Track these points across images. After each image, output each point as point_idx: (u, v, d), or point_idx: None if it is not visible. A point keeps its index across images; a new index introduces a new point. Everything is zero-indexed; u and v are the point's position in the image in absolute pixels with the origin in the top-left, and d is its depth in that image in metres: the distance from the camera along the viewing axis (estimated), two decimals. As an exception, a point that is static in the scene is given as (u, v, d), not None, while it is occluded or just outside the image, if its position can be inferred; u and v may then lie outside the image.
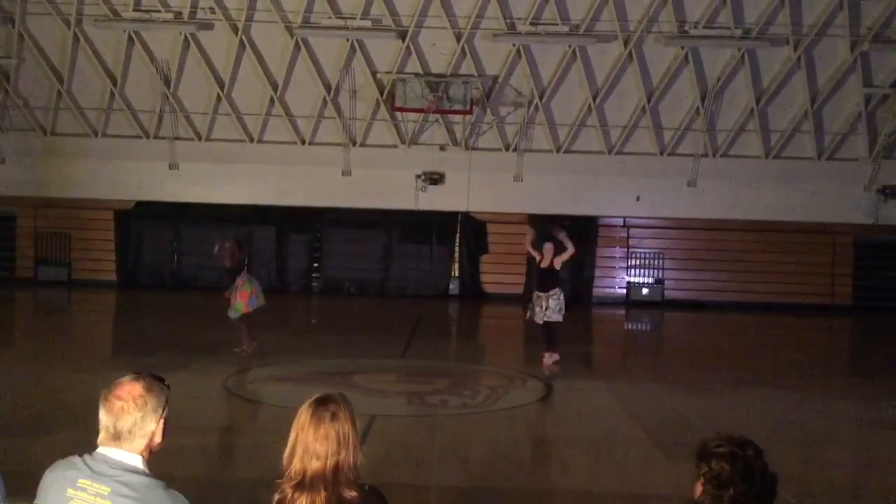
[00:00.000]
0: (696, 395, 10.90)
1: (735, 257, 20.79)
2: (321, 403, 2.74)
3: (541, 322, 12.15)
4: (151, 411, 2.66)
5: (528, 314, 12.35)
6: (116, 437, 2.62)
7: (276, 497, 2.68)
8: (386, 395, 10.64)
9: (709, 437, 2.67)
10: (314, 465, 2.65)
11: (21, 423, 8.35)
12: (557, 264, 12.14)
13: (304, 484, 2.64)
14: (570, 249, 12.11)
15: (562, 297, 12.17)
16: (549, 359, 12.13)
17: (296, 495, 2.64)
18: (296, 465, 2.68)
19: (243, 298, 11.92)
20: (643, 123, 20.14)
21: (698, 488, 2.64)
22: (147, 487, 2.58)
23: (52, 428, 8.01)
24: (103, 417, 2.64)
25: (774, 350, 15.93)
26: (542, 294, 12.12)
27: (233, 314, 12.02)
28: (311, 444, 2.66)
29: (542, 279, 12.23)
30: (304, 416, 2.72)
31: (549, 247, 12.22)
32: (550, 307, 12.01)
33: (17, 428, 8.12)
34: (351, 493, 2.65)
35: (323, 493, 2.63)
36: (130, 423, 2.62)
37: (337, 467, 2.66)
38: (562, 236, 12.25)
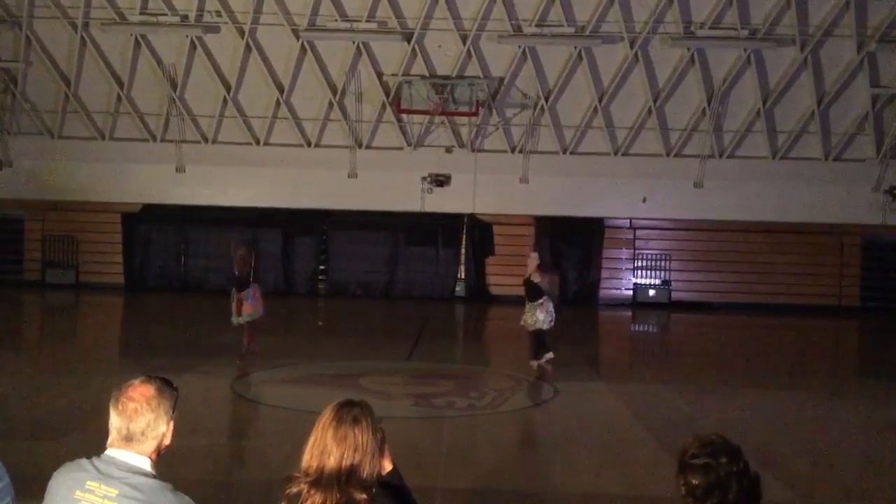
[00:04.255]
0: (704, 397, 10.87)
1: (742, 258, 20.72)
2: (345, 406, 2.79)
3: (530, 329, 12.29)
4: (163, 413, 2.67)
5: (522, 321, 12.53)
6: (129, 438, 2.63)
7: (293, 490, 2.71)
8: (392, 398, 10.63)
9: (687, 444, 2.66)
10: (330, 463, 2.69)
11: (28, 425, 8.37)
12: (535, 278, 12.36)
13: (321, 482, 2.67)
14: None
15: (551, 306, 12.35)
16: (535, 363, 12.24)
17: (311, 492, 2.67)
18: (312, 462, 2.71)
19: (258, 305, 12.06)
20: (649, 125, 20.11)
21: (680, 497, 2.65)
22: (155, 490, 2.58)
23: (59, 430, 8.03)
24: (115, 419, 2.64)
25: (782, 352, 15.89)
26: (532, 304, 12.28)
27: (246, 319, 12.06)
28: (329, 443, 2.71)
29: (530, 292, 12.38)
30: (326, 415, 2.77)
31: (533, 255, 12.56)
32: (539, 319, 12.15)
33: (24, 430, 8.14)
34: (361, 496, 2.67)
35: (336, 494, 2.66)
36: (144, 424, 2.63)
37: (351, 469, 2.68)
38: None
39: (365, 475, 2.70)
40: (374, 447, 2.75)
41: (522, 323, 12.38)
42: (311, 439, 2.74)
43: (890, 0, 17.67)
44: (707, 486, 2.55)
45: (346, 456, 2.69)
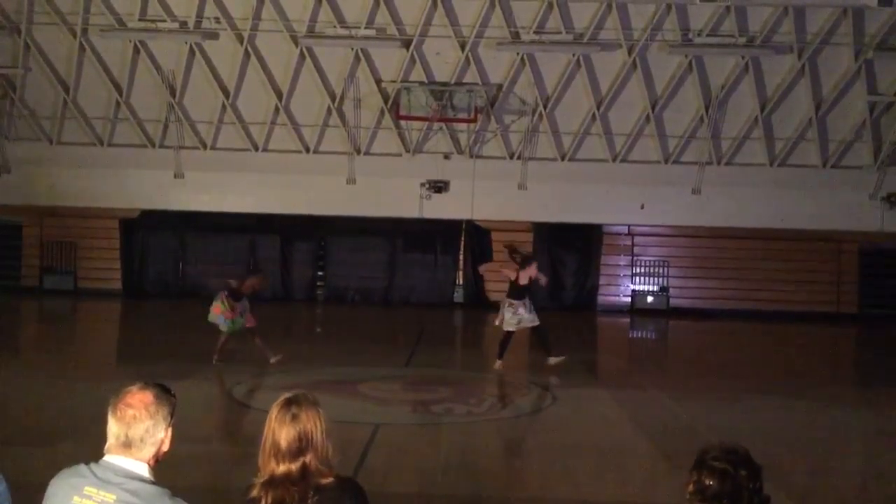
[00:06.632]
0: (702, 404, 10.87)
1: (740, 265, 20.73)
2: (284, 406, 2.84)
3: (510, 329, 12.39)
4: (162, 419, 2.68)
5: (498, 320, 12.62)
6: (127, 445, 2.63)
7: (251, 494, 2.77)
8: (390, 404, 10.64)
9: (712, 445, 2.66)
10: (281, 467, 2.76)
11: (26, 432, 8.36)
12: (524, 279, 12.51)
13: (273, 482, 2.74)
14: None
15: (530, 303, 12.56)
16: (554, 361, 12.40)
17: (267, 492, 2.72)
18: (266, 464, 2.79)
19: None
20: (647, 131, 20.14)
21: (688, 493, 2.65)
22: (153, 495, 2.58)
23: (57, 436, 8.02)
24: (113, 426, 2.65)
25: (780, 359, 15.88)
26: (515, 302, 12.37)
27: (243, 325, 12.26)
28: (278, 444, 2.77)
29: (520, 292, 12.47)
30: (270, 417, 2.83)
31: (533, 265, 12.72)
32: (524, 318, 12.26)
33: (22, 437, 8.13)
34: (326, 480, 2.76)
35: (292, 488, 2.74)
36: (142, 430, 2.63)
37: (304, 467, 2.76)
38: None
39: (319, 461, 2.77)
40: (322, 434, 2.80)
41: (505, 323, 12.47)
42: (262, 441, 2.81)
43: (887, 8, 17.71)
44: (719, 491, 2.55)
45: (296, 454, 2.75)
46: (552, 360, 12.34)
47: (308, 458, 2.75)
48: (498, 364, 12.40)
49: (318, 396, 2.91)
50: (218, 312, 12.12)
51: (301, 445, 2.75)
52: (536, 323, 12.40)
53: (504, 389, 12.16)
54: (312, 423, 2.79)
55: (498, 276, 20.85)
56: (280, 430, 2.76)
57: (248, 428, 9.64)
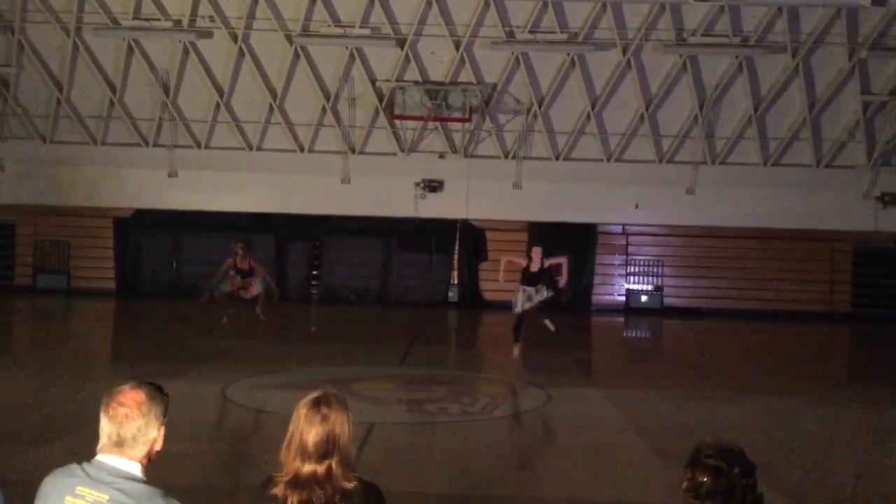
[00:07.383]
0: (696, 403, 10.89)
1: (734, 265, 20.78)
2: (314, 405, 2.79)
3: (519, 310, 12.91)
4: (154, 418, 2.67)
5: (515, 308, 13.08)
6: (119, 444, 2.63)
7: (273, 491, 2.73)
8: (385, 403, 10.63)
9: (706, 443, 2.67)
10: (307, 467, 2.71)
11: (19, 432, 8.33)
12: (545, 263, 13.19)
13: (299, 482, 2.68)
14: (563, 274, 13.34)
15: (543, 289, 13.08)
16: (551, 324, 12.99)
17: (293, 492, 2.68)
18: (290, 462, 2.73)
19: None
20: (642, 131, 20.17)
21: (682, 490, 2.66)
22: (145, 495, 2.58)
23: (50, 436, 8.00)
24: (105, 425, 2.64)
25: (773, 357, 15.93)
26: (528, 288, 12.88)
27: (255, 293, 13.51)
28: (305, 443, 2.73)
29: (533, 279, 12.96)
30: (298, 414, 2.78)
31: (537, 250, 13.25)
32: (537, 297, 12.86)
33: (15, 436, 8.10)
34: (351, 484, 2.70)
35: (318, 490, 2.69)
36: (134, 429, 2.63)
37: (330, 469, 2.71)
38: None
39: (344, 467, 2.73)
40: (348, 437, 2.77)
41: (517, 306, 12.86)
42: (288, 436, 2.76)
43: (881, 8, 17.76)
44: (713, 488, 2.56)
45: (323, 456, 2.71)
46: (549, 323, 12.90)
47: (334, 460, 2.71)
48: (515, 350, 12.82)
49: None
50: None
51: (328, 447, 2.70)
52: (551, 294, 12.92)
53: (498, 389, 12.16)
54: (341, 426, 2.74)
55: (496, 276, 20.98)
56: (308, 430, 2.71)
57: (241, 427, 9.64)
